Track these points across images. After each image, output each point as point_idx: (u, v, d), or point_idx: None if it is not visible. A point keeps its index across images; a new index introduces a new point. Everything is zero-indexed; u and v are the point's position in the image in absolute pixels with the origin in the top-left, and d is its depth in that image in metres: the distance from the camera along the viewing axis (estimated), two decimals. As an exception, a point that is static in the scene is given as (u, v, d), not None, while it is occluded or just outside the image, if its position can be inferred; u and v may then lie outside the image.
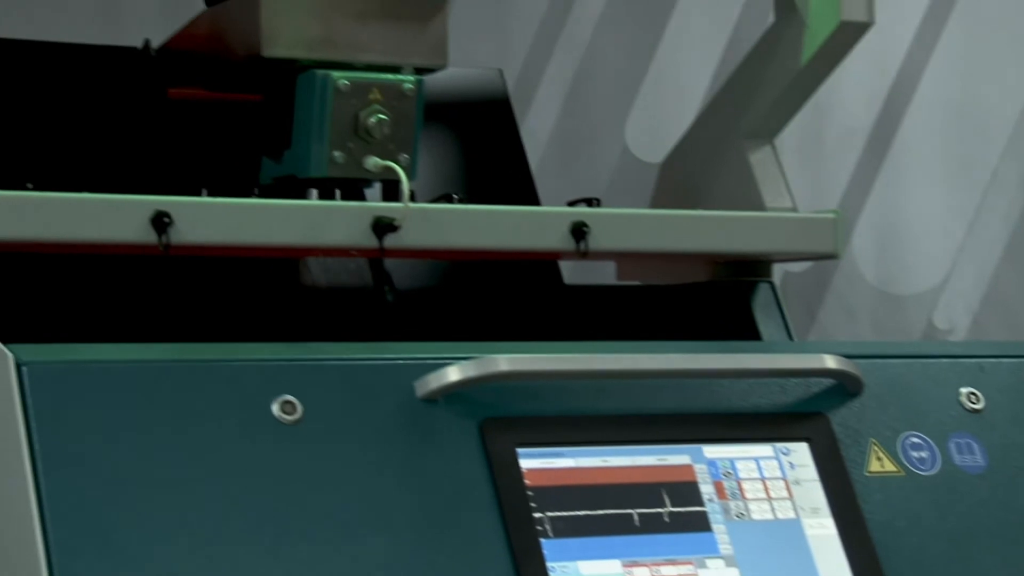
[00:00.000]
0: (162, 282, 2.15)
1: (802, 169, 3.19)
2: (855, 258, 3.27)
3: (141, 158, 2.21)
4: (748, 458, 1.99)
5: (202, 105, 2.27)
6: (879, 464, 2.04)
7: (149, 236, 1.94)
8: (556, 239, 2.14)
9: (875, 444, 2.05)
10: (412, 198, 2.06)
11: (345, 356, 1.88)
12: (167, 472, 1.74)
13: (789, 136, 2.99)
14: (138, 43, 2.30)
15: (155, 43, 2.29)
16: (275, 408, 1.81)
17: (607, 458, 1.92)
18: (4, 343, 1.75)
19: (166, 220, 1.94)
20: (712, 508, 1.94)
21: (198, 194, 2.03)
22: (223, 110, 2.28)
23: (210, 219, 1.98)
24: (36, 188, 1.94)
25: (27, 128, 2.18)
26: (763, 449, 2.00)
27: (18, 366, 1.73)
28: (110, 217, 1.94)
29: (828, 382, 2.07)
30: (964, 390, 2.12)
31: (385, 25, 2.13)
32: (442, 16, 2.16)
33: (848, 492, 2.00)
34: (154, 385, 1.77)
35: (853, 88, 3.26)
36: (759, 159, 2.40)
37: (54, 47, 2.27)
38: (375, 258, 2.13)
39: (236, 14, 2.13)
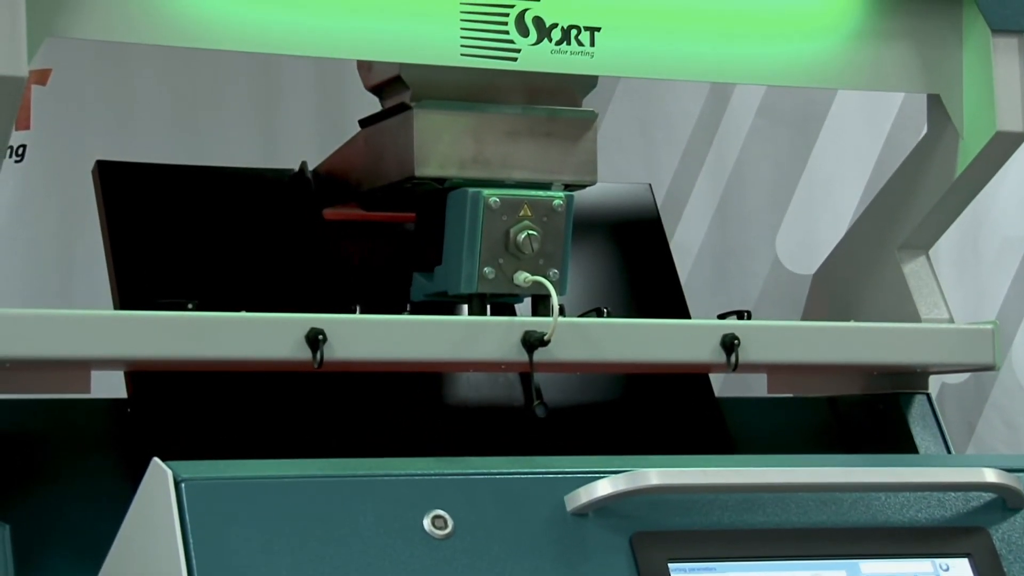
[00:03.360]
0: (315, 398, 2.18)
1: (959, 279, 3.14)
2: (1015, 369, 3.20)
3: (296, 277, 2.26)
4: (906, 574, 1.95)
5: (356, 224, 2.31)
6: (1044, 580, 1.99)
7: (304, 353, 1.97)
8: (707, 352, 2.14)
9: (1039, 560, 2.00)
10: (562, 313, 2.07)
11: (496, 471, 1.88)
12: (321, 587, 1.75)
13: (945, 246, 2.95)
14: (294, 164, 2.36)
15: (311, 164, 2.35)
16: (426, 523, 1.82)
17: (760, 573, 1.90)
18: (163, 460, 1.79)
19: (320, 337, 1.97)
20: (870, 625, 1.90)
21: (351, 311, 2.06)
22: (376, 229, 2.32)
23: (363, 336, 2.01)
24: (196, 308, 1.99)
25: (188, 249, 2.24)
26: (922, 565, 1.96)
27: (176, 483, 1.76)
28: (266, 335, 1.98)
29: (988, 496, 2.03)
30: None
31: (535, 143, 2.16)
32: (591, 133, 2.18)
33: (1012, 610, 1.95)
34: (308, 501, 1.79)
35: (1010, 196, 3.22)
36: (914, 270, 2.37)
37: (214, 172, 2.34)
38: (525, 372, 2.15)
39: (389, 135, 2.17)
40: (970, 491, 2.02)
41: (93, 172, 2.27)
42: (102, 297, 2.27)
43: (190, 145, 3.00)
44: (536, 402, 2.05)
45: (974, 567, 1.97)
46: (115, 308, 2.18)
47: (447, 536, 1.81)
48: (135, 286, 2.19)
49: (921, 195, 2.36)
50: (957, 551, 1.98)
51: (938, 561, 1.97)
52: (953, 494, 2.02)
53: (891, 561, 1.95)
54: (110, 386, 2.15)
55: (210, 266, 2.24)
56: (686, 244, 3.09)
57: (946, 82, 2.30)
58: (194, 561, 1.72)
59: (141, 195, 2.26)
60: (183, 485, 1.76)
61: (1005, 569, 1.98)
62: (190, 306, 1.99)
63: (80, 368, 2.01)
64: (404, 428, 2.21)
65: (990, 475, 1.99)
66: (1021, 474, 2.02)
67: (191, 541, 1.73)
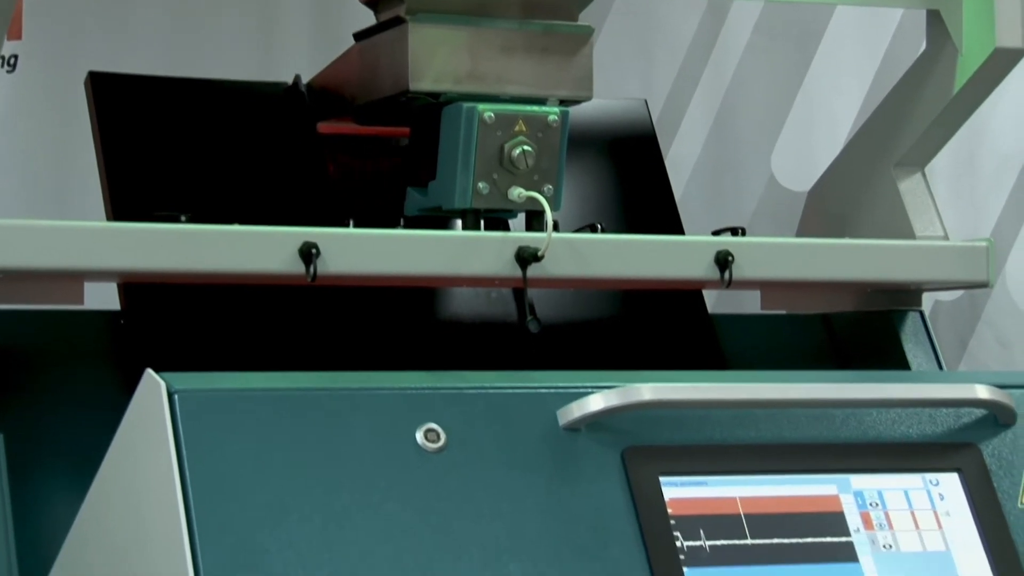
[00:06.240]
0: (308, 312, 2.18)
1: (954, 197, 3.14)
2: (1008, 286, 3.21)
3: (290, 190, 2.25)
4: (896, 488, 1.97)
5: (349, 138, 2.31)
6: (1033, 497, 2.01)
7: (297, 267, 1.97)
8: (700, 268, 2.14)
9: (1029, 476, 2.02)
10: (556, 228, 2.07)
11: (489, 385, 1.89)
12: (314, 498, 1.76)
13: (941, 163, 2.94)
14: (289, 78, 2.35)
15: (305, 77, 2.33)
16: (419, 436, 1.83)
17: (751, 487, 1.91)
18: (156, 372, 1.80)
19: (314, 251, 1.97)
20: (859, 539, 1.92)
21: (345, 226, 2.06)
22: (370, 143, 2.31)
23: (356, 250, 2.01)
24: (190, 220, 1.99)
25: (181, 161, 2.23)
26: (912, 480, 1.98)
27: (170, 394, 1.77)
28: (259, 249, 1.97)
29: (979, 412, 2.03)
30: (1121, 421, 2.07)
31: (530, 58, 2.15)
32: (587, 48, 2.17)
33: (1001, 525, 1.96)
34: (301, 413, 1.80)
35: (1008, 114, 3.21)
36: (909, 187, 2.37)
37: (207, 84, 2.33)
38: (519, 288, 2.15)
39: (384, 49, 2.16)
40: (961, 407, 2.03)
41: (85, 83, 2.26)
42: (95, 208, 2.26)
43: (185, 57, 2.98)
44: (529, 317, 2.06)
45: (964, 482, 1.99)
46: (108, 220, 2.18)
47: (440, 449, 1.82)
48: (128, 198, 2.18)
49: (918, 112, 2.35)
50: (947, 466, 1.99)
51: (928, 476, 1.98)
52: (944, 410, 2.02)
53: (881, 476, 1.96)
54: (104, 298, 2.16)
55: (203, 179, 2.23)
56: (681, 160, 3.09)
57: (945, -2, 2.29)
58: (187, 472, 1.73)
59: (134, 107, 2.25)
60: (176, 396, 1.76)
61: (995, 484, 1.99)
62: (183, 218, 1.99)
63: (73, 280, 2.01)
64: (397, 342, 2.22)
65: (981, 391, 2.00)
66: (1013, 390, 2.03)
67: (184, 452, 1.74)
